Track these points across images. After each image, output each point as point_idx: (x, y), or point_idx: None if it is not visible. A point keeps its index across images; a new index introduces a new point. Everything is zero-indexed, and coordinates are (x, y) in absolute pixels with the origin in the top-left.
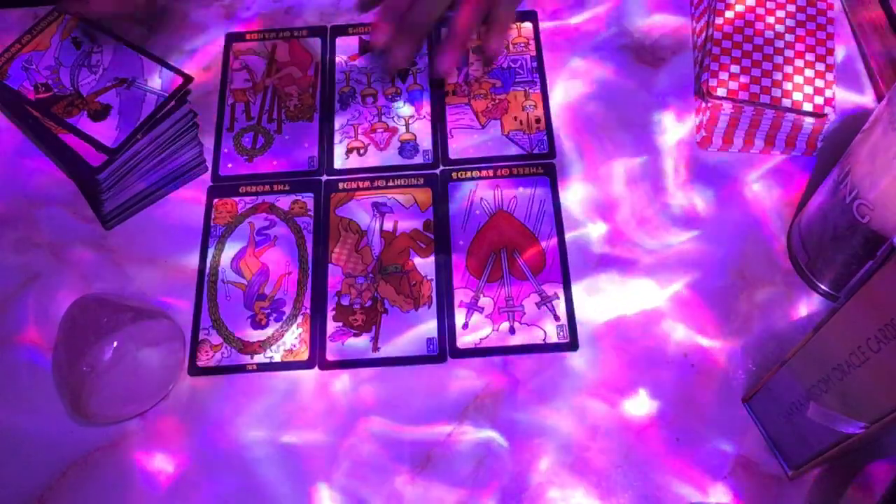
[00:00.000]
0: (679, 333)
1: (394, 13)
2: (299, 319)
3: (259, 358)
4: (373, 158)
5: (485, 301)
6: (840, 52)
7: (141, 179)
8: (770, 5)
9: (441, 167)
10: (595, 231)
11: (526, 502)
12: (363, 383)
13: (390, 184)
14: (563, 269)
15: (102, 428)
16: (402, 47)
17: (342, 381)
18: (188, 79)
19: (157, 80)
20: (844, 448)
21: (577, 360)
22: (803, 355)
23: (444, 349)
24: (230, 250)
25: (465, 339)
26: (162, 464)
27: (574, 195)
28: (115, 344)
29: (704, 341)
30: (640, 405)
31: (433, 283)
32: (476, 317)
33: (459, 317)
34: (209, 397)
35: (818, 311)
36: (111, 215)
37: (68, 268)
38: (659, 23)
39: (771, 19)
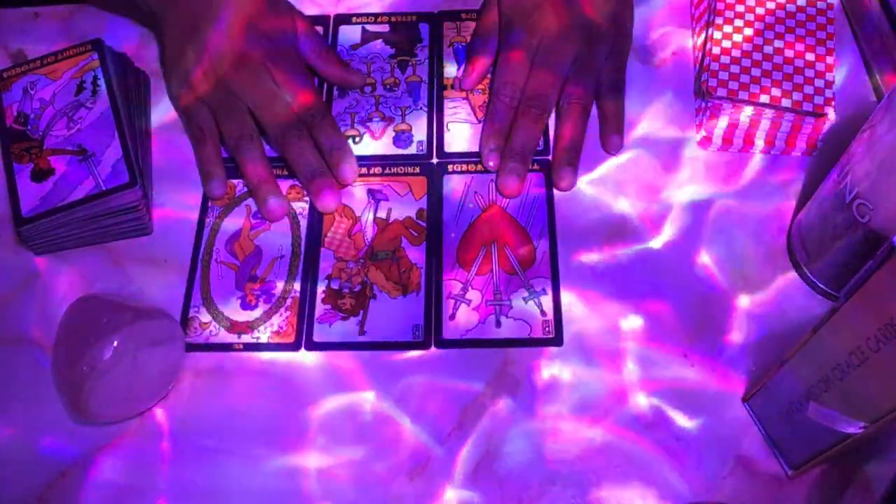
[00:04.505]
0: (678, 332)
1: (499, 134)
2: (288, 302)
3: (246, 338)
4: (368, 147)
5: (473, 293)
6: (840, 52)
7: (71, 237)
8: (770, 5)
9: (437, 159)
10: (589, 228)
11: (527, 502)
12: (348, 366)
13: (386, 171)
14: (552, 264)
15: (102, 428)
16: (514, 178)
17: (327, 363)
18: (131, 182)
19: (108, 167)
20: (844, 448)
21: (564, 357)
22: (803, 355)
23: (428, 337)
24: (225, 231)
25: (450, 330)
26: (161, 464)
27: (569, 192)
28: (115, 344)
29: (704, 341)
30: (639, 404)
31: (422, 272)
32: (463, 308)
33: (447, 307)
34: (204, 393)
35: (818, 311)
36: (40, 250)
37: (68, 268)
38: (659, 23)
39: (771, 19)
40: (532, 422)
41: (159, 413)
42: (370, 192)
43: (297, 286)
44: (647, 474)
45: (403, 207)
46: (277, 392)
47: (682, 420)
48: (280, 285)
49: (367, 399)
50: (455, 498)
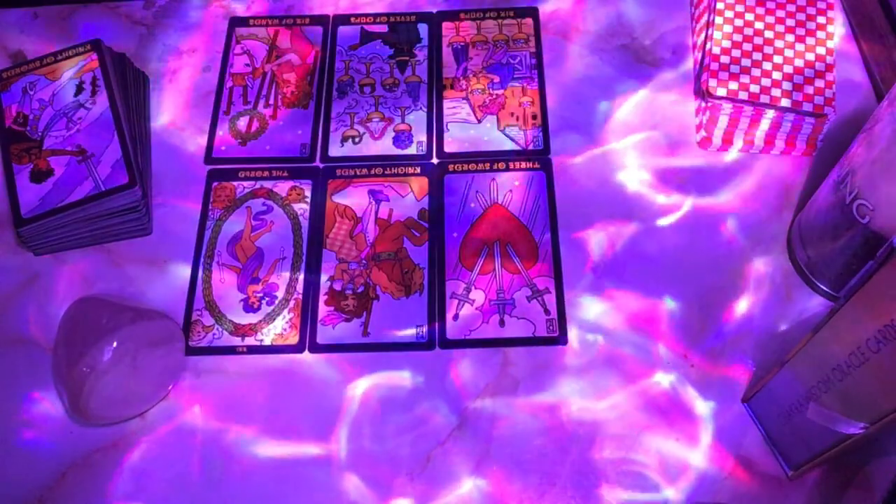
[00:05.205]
0: (677, 333)
1: None
2: (291, 304)
3: (250, 340)
4: (368, 147)
5: (476, 293)
6: (840, 52)
7: (70, 237)
8: (770, 5)
9: (437, 159)
10: (590, 227)
11: (527, 503)
12: (352, 366)
13: (387, 172)
14: (555, 263)
15: (102, 428)
16: None
17: (332, 364)
18: (131, 183)
19: (107, 168)
20: (844, 448)
21: (567, 355)
22: (803, 356)
23: (433, 338)
24: (226, 234)
25: (454, 330)
26: (161, 463)
27: (569, 191)
28: (115, 344)
29: (704, 341)
30: (639, 404)
31: (425, 272)
32: (466, 308)
33: (450, 308)
34: (203, 391)
35: (818, 311)
36: (40, 250)
37: (68, 268)
38: (659, 23)
39: (771, 19)
40: (534, 420)
41: (163, 414)
42: (371, 193)
43: (299, 288)
44: (647, 473)
45: (405, 207)
46: (282, 391)
47: (682, 420)
48: (282, 287)
49: (374, 398)
50: (455, 497)
